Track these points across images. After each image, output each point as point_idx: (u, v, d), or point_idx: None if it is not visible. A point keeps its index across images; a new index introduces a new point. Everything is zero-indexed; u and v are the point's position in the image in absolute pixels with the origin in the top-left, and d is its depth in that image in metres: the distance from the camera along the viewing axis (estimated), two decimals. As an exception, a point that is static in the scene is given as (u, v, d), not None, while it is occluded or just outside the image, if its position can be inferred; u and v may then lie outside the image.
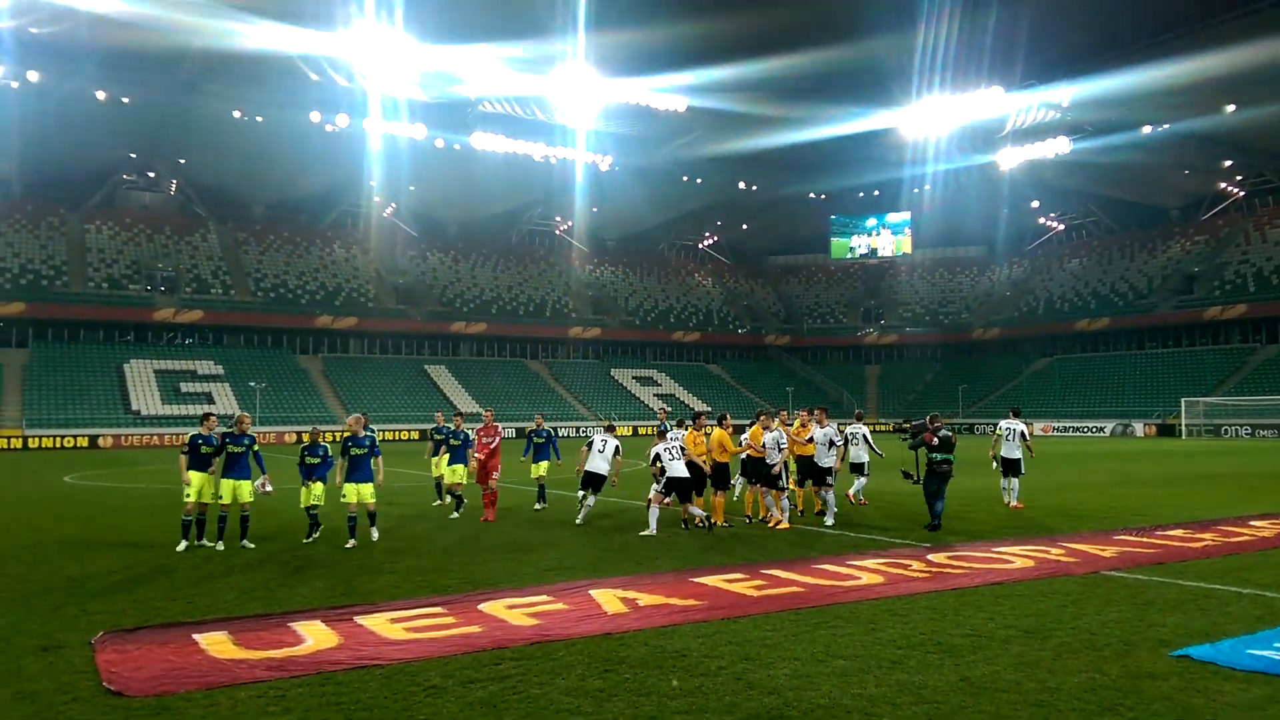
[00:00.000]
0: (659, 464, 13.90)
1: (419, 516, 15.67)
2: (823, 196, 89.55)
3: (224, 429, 12.75)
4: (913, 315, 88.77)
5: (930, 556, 11.16)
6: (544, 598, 8.86)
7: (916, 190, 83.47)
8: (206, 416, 12.64)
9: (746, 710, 5.65)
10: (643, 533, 13.24)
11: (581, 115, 65.65)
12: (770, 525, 14.02)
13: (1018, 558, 11.02)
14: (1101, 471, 27.05)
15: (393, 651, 6.98)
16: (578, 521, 14.39)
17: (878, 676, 6.29)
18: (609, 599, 8.75)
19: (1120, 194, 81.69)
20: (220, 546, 12.08)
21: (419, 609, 8.40)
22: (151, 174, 73.74)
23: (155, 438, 50.95)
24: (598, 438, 14.76)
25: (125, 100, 58.52)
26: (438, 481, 17.31)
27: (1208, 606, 8.38)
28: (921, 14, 54.01)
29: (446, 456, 16.21)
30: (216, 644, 7.18)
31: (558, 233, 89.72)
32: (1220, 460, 32.10)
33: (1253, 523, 14.10)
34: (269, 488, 12.54)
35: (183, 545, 11.96)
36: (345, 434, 12.83)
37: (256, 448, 12.56)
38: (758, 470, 14.46)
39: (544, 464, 16.71)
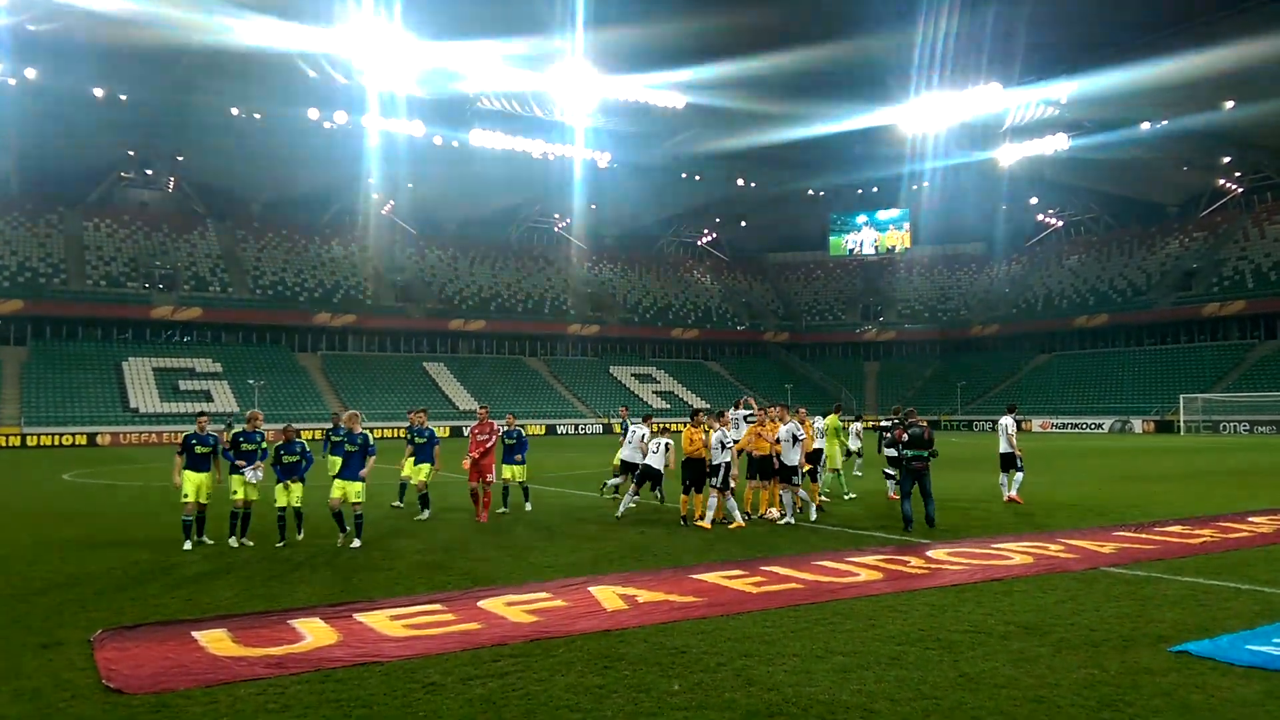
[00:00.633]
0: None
1: (413, 514, 15.63)
2: (821, 193, 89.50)
3: (239, 428, 12.66)
4: (911, 312, 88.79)
5: (929, 553, 11.17)
6: (543, 595, 8.87)
7: (915, 187, 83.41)
8: (200, 415, 12.57)
9: (746, 707, 5.65)
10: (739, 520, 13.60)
11: (580, 112, 65.57)
12: (730, 526, 13.58)
13: (1016, 554, 11.02)
14: (1100, 468, 27.07)
15: (392, 648, 6.98)
16: (617, 515, 14.60)
17: (877, 672, 6.30)
18: (608, 596, 8.75)
19: (1119, 190, 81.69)
20: (249, 543, 12.11)
21: (418, 606, 8.40)
22: (149, 171, 73.63)
23: (154, 435, 50.90)
24: (635, 429, 14.88)
25: (123, 98, 58.39)
26: (403, 483, 16.20)
27: (1206, 602, 8.39)
28: (920, 10, 53.98)
29: (413, 457, 15.28)
30: (216, 641, 7.18)
31: (556, 230, 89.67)
32: (1219, 456, 32.13)
33: (1251, 519, 14.12)
34: (259, 474, 12.30)
35: (188, 545, 11.93)
36: (333, 429, 12.79)
37: (265, 445, 12.54)
38: (764, 467, 14.46)
39: (425, 467, 15.14)
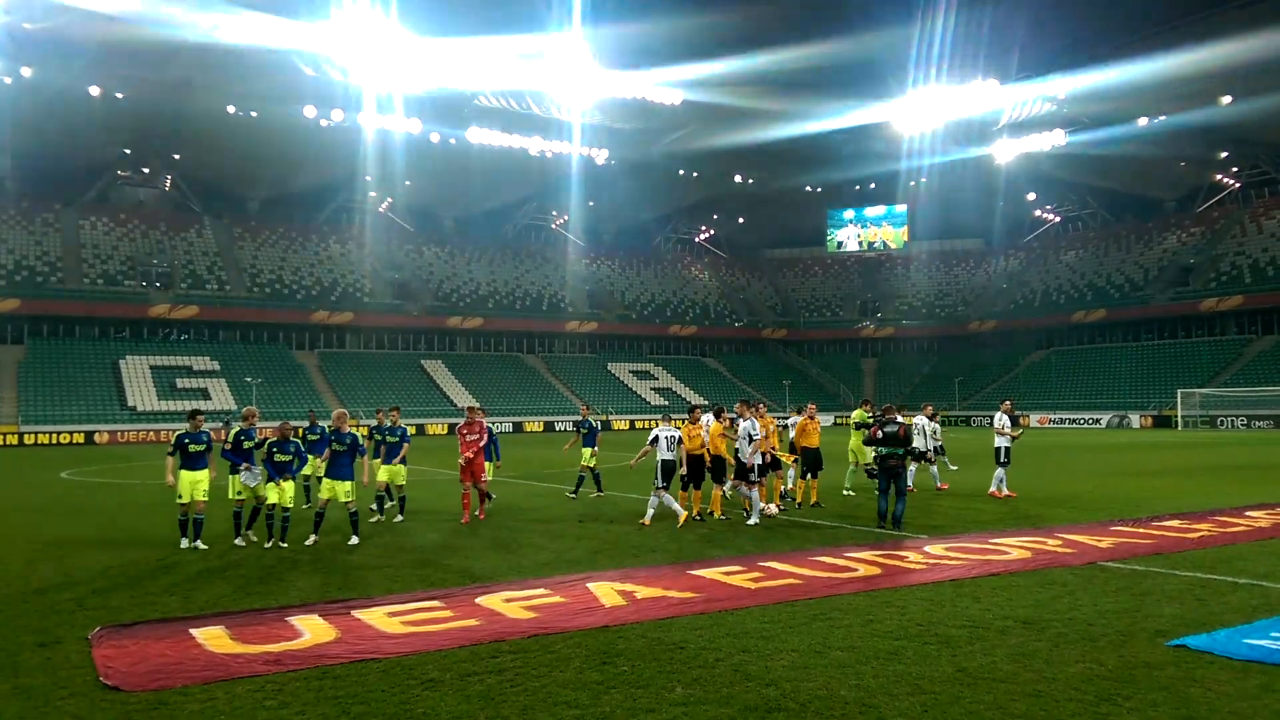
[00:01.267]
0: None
1: (414, 512, 15.64)
2: (819, 190, 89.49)
3: (238, 425, 12.57)
4: (909, 308, 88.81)
5: (927, 548, 11.18)
6: (541, 591, 8.87)
7: (913, 183, 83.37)
8: (194, 414, 12.38)
9: (744, 702, 5.66)
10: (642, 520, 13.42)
11: (577, 109, 65.54)
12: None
13: (1014, 549, 11.03)
14: (1098, 463, 27.10)
15: (390, 645, 6.98)
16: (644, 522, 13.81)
17: (875, 668, 6.30)
18: (606, 592, 8.75)
19: (1116, 186, 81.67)
20: (254, 538, 12.15)
21: (416, 603, 8.40)
22: (146, 170, 73.51)
23: (151, 433, 50.86)
24: (663, 431, 14.48)
25: (119, 96, 58.29)
26: (380, 495, 14.91)
27: (1204, 597, 8.40)
28: (917, 6, 54.09)
29: (380, 458, 14.53)
30: (214, 638, 7.18)
31: (554, 227, 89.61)
32: (1216, 451, 32.16)
33: (1249, 513, 14.14)
34: (257, 476, 12.08)
35: (184, 543, 11.86)
36: (327, 428, 12.75)
37: (260, 439, 12.50)
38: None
39: (401, 469, 14.75)
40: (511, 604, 8.30)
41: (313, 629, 7.46)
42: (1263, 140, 70.75)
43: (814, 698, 5.71)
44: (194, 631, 7.38)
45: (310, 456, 14.63)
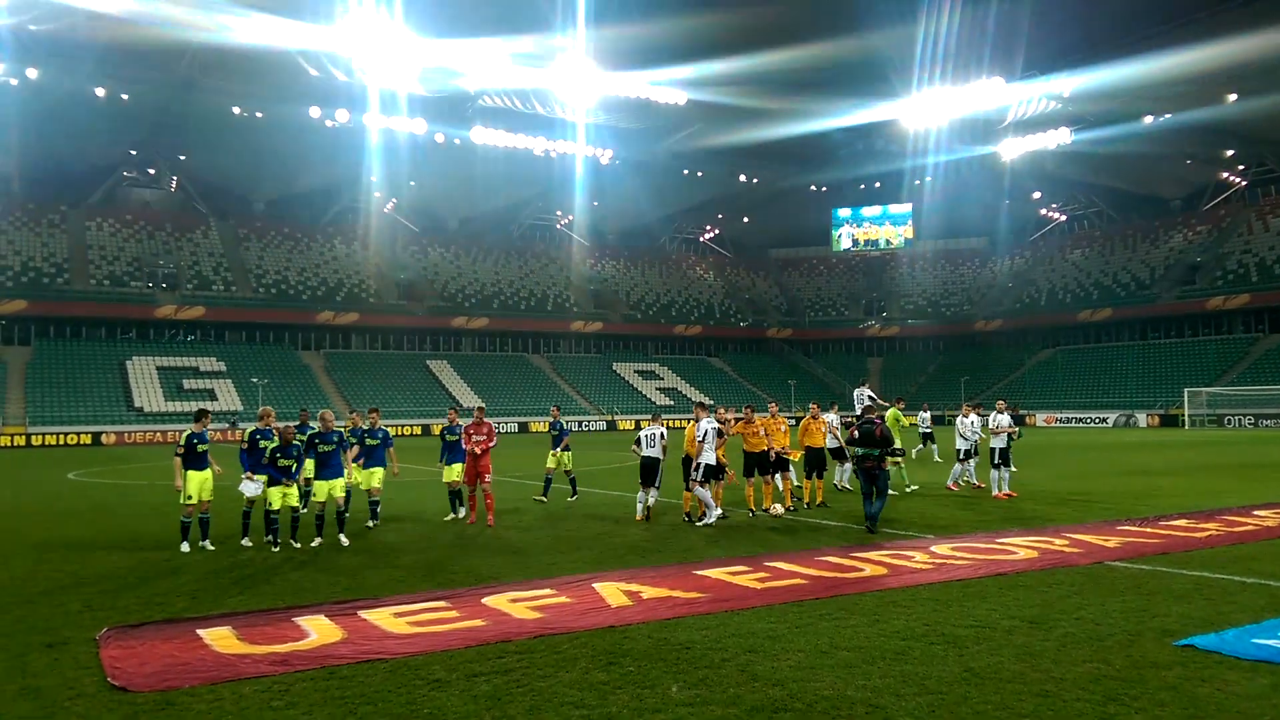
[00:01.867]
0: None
1: (418, 514, 15.65)
2: (824, 189, 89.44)
3: (253, 425, 12.60)
4: (915, 307, 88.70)
5: (933, 548, 11.15)
6: (547, 591, 8.87)
7: (918, 182, 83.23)
8: (201, 414, 12.35)
9: (751, 702, 5.65)
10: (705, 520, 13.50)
11: (582, 109, 65.58)
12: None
13: (1021, 549, 11.00)
14: (1104, 462, 27.01)
15: (396, 645, 6.98)
16: (638, 517, 14.25)
17: (882, 668, 6.29)
18: (612, 592, 8.75)
19: (1122, 184, 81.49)
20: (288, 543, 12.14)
21: (422, 603, 8.40)
22: (152, 171, 73.76)
23: (158, 434, 50.99)
24: (645, 431, 14.55)
25: (125, 97, 58.47)
26: (373, 502, 14.19)
27: (1212, 596, 8.37)
28: (922, 5, 53.93)
29: (360, 460, 13.87)
30: (221, 639, 7.19)
31: (558, 227, 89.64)
32: (1223, 450, 32.05)
33: (1257, 512, 14.08)
34: (258, 486, 11.96)
35: (185, 547, 11.77)
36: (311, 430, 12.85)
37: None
38: (760, 462, 14.57)
39: (379, 471, 14.17)
40: (517, 604, 8.30)
41: (319, 629, 7.47)
42: (1269, 138, 70.50)
43: (821, 698, 5.70)
44: (201, 632, 7.40)
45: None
